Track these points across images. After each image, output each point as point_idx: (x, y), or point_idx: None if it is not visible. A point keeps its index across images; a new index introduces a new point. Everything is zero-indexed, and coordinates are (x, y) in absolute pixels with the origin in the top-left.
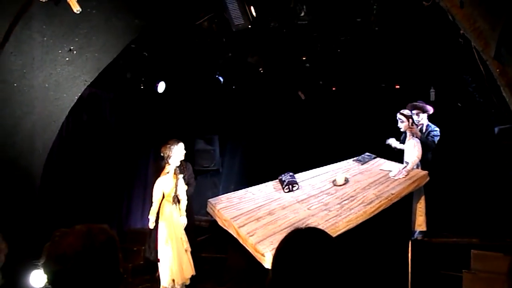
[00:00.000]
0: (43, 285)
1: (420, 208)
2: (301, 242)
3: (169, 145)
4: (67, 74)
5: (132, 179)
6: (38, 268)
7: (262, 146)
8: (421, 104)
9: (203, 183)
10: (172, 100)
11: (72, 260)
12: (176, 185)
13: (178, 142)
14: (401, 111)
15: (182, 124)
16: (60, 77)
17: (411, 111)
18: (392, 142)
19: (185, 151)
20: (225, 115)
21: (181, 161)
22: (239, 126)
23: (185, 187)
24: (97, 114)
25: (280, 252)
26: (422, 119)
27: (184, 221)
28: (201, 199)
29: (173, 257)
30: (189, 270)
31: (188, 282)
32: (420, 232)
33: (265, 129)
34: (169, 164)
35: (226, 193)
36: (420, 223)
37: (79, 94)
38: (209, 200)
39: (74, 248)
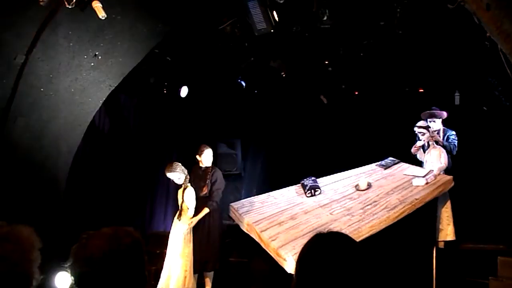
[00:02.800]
0: (69, 286)
1: (447, 216)
2: (325, 246)
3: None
4: (92, 79)
5: (155, 183)
6: (64, 270)
7: (284, 150)
8: (435, 111)
9: (225, 187)
10: (194, 104)
11: (99, 262)
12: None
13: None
14: (418, 124)
15: (205, 128)
16: (85, 82)
17: (426, 120)
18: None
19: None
20: (247, 119)
21: (208, 166)
22: (261, 131)
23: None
24: (121, 119)
25: (304, 257)
26: (438, 125)
27: (183, 227)
28: (223, 204)
29: (164, 268)
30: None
31: None
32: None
33: (287, 134)
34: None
35: (248, 197)
36: (448, 233)
37: (104, 99)
38: (231, 204)
39: (100, 250)
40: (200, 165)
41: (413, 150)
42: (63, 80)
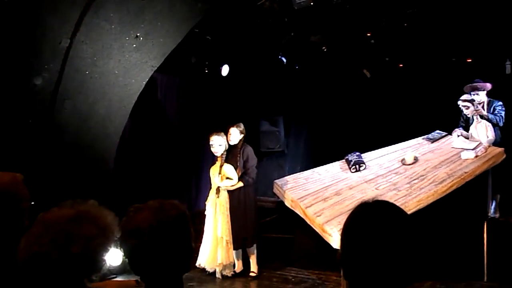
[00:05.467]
0: (120, 260)
1: None
2: (370, 215)
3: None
4: (135, 60)
5: (200, 162)
6: (115, 245)
7: (328, 126)
8: (477, 83)
9: (269, 164)
10: (236, 82)
11: (147, 234)
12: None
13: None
14: (461, 98)
15: (247, 106)
16: (128, 63)
17: (469, 93)
18: (461, 133)
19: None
20: (289, 95)
21: (235, 144)
22: (303, 107)
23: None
24: (165, 99)
25: (349, 227)
26: (482, 97)
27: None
28: (267, 180)
29: (204, 241)
30: (215, 260)
31: (218, 269)
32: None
33: (330, 109)
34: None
35: (292, 173)
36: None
37: (147, 80)
38: (275, 181)
39: (148, 222)
40: (230, 143)
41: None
42: (107, 62)
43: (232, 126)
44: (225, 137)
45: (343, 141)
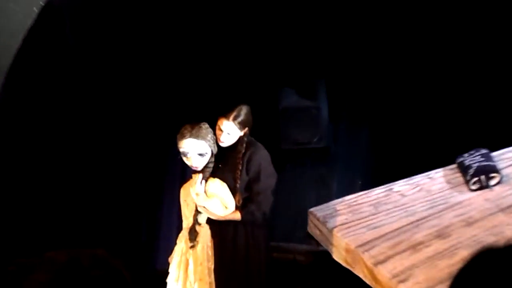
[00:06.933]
0: None
1: None
2: (503, 274)
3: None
4: None
5: (158, 181)
6: None
7: (413, 101)
8: None
9: (298, 177)
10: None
11: None
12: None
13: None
14: None
15: (251, 58)
16: None
17: None
18: None
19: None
20: (337, 43)
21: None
22: (366, 64)
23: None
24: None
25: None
26: None
27: None
28: (296, 208)
29: None
30: None
31: None
32: None
33: (415, 72)
34: None
35: (347, 193)
36: None
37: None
38: (312, 210)
39: None
40: (222, 145)
41: None
42: None
43: (225, 116)
44: (210, 135)
45: (448, 128)
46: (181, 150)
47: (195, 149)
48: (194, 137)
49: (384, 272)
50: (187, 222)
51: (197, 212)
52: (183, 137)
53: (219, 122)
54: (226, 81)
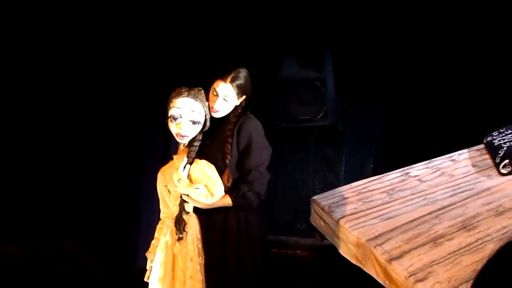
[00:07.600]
0: None
1: None
2: None
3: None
4: None
5: (141, 162)
6: None
7: (434, 70)
8: None
9: (300, 159)
10: None
11: None
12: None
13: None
14: None
15: (245, 20)
16: None
17: None
18: None
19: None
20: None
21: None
22: (378, 28)
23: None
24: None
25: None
26: None
27: None
28: (297, 196)
29: None
30: None
31: None
32: None
33: (436, 35)
34: None
35: (357, 178)
36: None
37: None
38: (315, 198)
39: None
40: (215, 115)
41: None
42: None
43: (223, 77)
44: (207, 104)
45: (475, 105)
46: (172, 112)
47: (190, 113)
48: (192, 97)
49: (399, 269)
50: (168, 211)
51: (183, 200)
52: (179, 94)
53: (214, 85)
54: (218, 46)
